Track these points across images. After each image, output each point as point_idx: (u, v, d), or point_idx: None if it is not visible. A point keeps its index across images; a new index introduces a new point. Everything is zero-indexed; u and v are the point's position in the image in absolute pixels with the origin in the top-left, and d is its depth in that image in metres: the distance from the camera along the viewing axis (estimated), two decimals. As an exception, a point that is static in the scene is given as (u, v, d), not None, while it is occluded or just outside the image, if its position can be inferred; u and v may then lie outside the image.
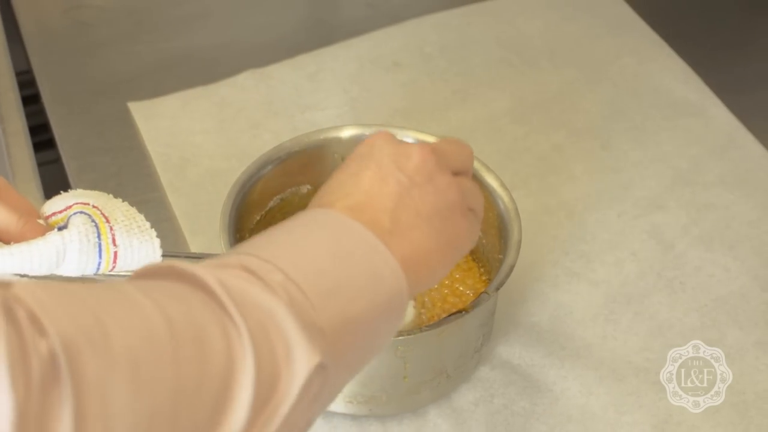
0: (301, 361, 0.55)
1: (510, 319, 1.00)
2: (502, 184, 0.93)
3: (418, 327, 0.86)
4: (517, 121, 1.20)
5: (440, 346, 0.87)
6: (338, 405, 0.90)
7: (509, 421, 0.93)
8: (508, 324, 1.00)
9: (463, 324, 0.85)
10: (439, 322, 0.85)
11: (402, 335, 0.83)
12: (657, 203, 1.11)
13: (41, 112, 1.21)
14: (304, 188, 1.00)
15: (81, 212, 0.75)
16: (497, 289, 0.86)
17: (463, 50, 1.28)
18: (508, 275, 0.86)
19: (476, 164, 0.93)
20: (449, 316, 0.85)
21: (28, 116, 1.18)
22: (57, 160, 1.17)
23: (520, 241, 0.88)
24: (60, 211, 0.77)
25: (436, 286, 0.94)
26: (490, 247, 0.95)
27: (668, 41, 1.29)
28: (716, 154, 1.16)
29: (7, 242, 0.72)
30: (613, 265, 1.05)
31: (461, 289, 0.95)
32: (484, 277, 0.97)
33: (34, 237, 0.72)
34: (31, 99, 1.22)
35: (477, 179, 0.93)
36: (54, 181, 1.12)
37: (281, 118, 1.19)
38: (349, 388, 0.88)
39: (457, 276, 0.96)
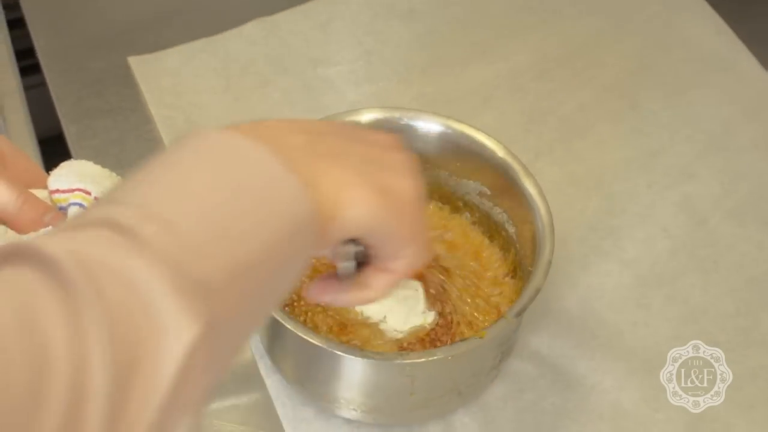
0: (176, 337, 0.46)
1: (539, 304, 0.94)
2: (541, 192, 0.87)
3: (429, 351, 0.81)
4: (540, 77, 1.14)
5: (451, 368, 0.83)
6: (342, 410, 0.86)
7: (539, 419, 0.90)
8: (536, 310, 0.95)
9: (477, 348, 0.81)
10: (450, 348, 0.80)
11: (410, 359, 0.79)
12: (688, 171, 1.06)
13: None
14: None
15: (80, 204, 0.70)
16: (518, 315, 0.81)
17: (481, -5, 1.22)
18: (532, 300, 0.81)
19: (516, 166, 0.88)
20: (463, 341, 0.80)
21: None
22: (42, 84, 1.13)
23: (550, 263, 0.83)
24: (64, 191, 0.72)
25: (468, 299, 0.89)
26: (526, 259, 0.90)
27: (698, -13, 1.23)
28: (749, 115, 1.11)
29: (3, 222, 0.68)
30: (643, 242, 1.01)
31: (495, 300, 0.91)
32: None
33: (31, 217, 0.67)
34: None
35: (515, 186, 0.88)
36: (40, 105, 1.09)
37: (292, 75, 1.12)
38: (351, 395, 0.85)
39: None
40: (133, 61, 1.13)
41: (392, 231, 0.61)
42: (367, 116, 0.91)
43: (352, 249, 0.61)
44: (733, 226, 1.02)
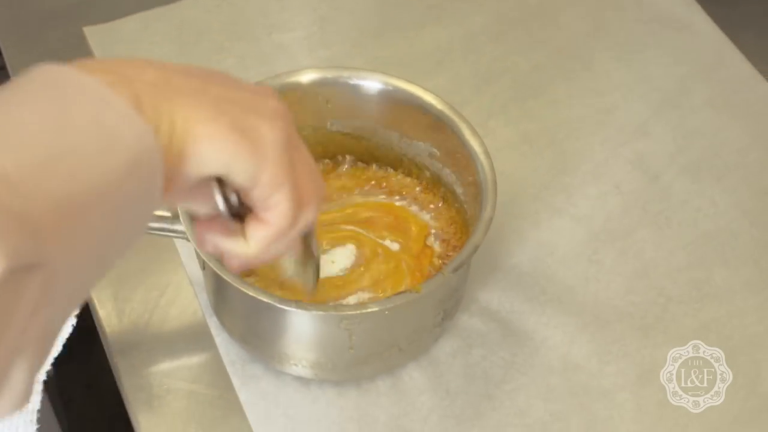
0: None
1: (489, 261, 0.96)
2: (486, 151, 0.86)
3: (363, 304, 0.81)
4: (494, 39, 1.14)
5: (389, 323, 0.82)
6: (286, 366, 0.86)
7: (488, 373, 0.90)
8: (486, 267, 0.95)
9: (414, 303, 0.80)
10: (386, 301, 0.79)
11: (344, 311, 0.79)
12: (642, 129, 1.06)
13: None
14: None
15: None
16: (455, 270, 0.80)
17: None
18: (470, 256, 0.81)
19: (461, 124, 0.88)
20: (398, 294, 0.79)
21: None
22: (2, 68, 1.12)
23: (491, 220, 0.82)
24: None
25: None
26: (472, 219, 0.89)
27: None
28: (704, 74, 1.11)
29: None
30: (595, 199, 1.01)
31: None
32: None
33: None
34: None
35: (459, 140, 0.87)
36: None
37: (247, 42, 1.13)
38: (291, 350, 0.84)
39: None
40: (89, 30, 1.13)
41: (252, 173, 0.58)
42: (307, 76, 0.90)
43: (214, 184, 0.59)
44: (686, 183, 1.02)
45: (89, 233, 0.49)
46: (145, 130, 0.51)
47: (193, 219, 0.67)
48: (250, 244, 0.62)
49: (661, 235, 0.99)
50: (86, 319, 0.91)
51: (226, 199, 0.60)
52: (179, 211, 0.80)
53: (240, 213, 0.61)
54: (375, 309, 0.78)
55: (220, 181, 0.59)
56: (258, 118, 0.58)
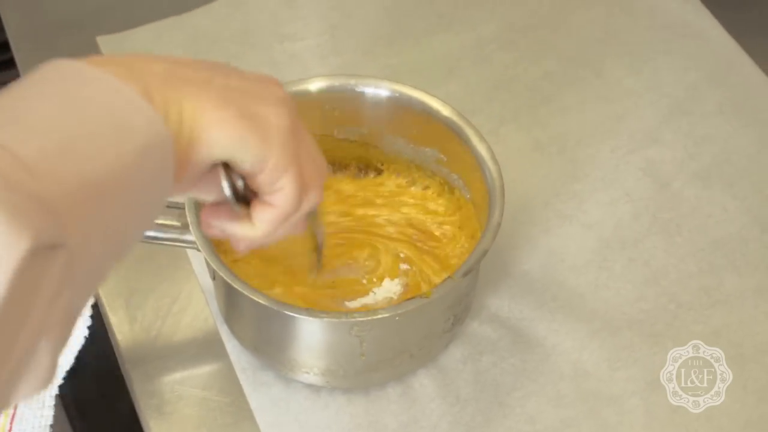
0: (2, 253, 0.45)
1: (499, 268, 0.96)
2: (493, 157, 0.87)
3: (374, 310, 0.81)
4: (505, 47, 1.14)
5: (399, 328, 0.83)
6: (298, 374, 0.86)
7: (498, 380, 0.90)
8: (497, 273, 0.96)
9: (424, 308, 0.80)
10: (396, 306, 0.80)
11: (355, 317, 0.79)
12: (652, 136, 1.06)
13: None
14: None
15: None
16: (465, 275, 0.81)
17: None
18: (478, 261, 0.81)
19: (468, 130, 0.88)
20: (409, 299, 0.80)
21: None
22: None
23: (499, 225, 0.82)
24: None
25: None
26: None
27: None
28: (715, 81, 1.11)
29: None
30: (606, 206, 1.01)
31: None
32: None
33: None
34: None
35: (466, 146, 0.88)
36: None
37: (258, 50, 1.13)
38: (302, 358, 0.85)
39: None
40: (102, 40, 1.13)
41: (259, 156, 0.60)
42: (314, 84, 0.91)
43: (221, 170, 0.61)
44: (696, 189, 1.02)
45: (106, 216, 0.51)
46: (155, 117, 0.54)
47: (200, 207, 0.69)
48: (256, 227, 0.65)
49: (671, 242, 0.99)
50: (98, 328, 0.92)
51: (233, 185, 0.62)
52: (188, 219, 0.81)
53: (245, 198, 0.63)
54: (385, 315, 0.79)
55: (227, 167, 0.61)
56: (264, 105, 0.60)
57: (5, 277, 0.44)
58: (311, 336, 0.83)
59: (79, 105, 0.52)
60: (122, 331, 0.92)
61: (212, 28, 1.15)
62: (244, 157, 0.60)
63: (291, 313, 0.78)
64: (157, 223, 0.84)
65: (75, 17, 1.17)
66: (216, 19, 1.16)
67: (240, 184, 0.62)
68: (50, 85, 0.53)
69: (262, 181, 0.62)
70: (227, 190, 0.62)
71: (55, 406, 0.89)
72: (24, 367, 0.48)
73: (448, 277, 0.81)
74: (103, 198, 0.51)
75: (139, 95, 0.53)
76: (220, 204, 0.65)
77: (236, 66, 0.63)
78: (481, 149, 0.87)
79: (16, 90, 0.52)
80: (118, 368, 0.92)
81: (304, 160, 0.64)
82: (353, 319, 0.79)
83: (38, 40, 1.14)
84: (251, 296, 0.78)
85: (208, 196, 0.65)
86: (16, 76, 1.12)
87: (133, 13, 1.16)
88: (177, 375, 0.90)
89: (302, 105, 0.87)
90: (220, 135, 0.58)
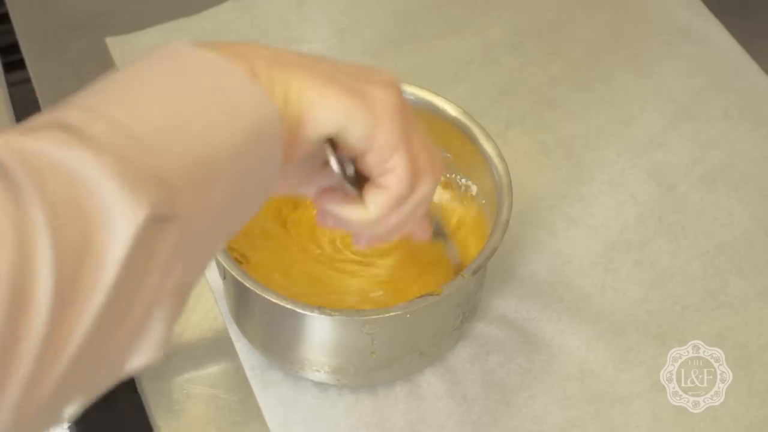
0: (121, 221, 0.46)
1: (506, 270, 0.97)
2: (500, 154, 0.87)
3: (385, 307, 0.81)
4: (512, 51, 1.15)
5: (410, 326, 0.84)
6: (307, 372, 0.87)
7: (505, 380, 0.90)
8: (504, 275, 0.96)
9: (435, 306, 0.81)
10: (408, 304, 0.80)
11: (367, 315, 0.80)
12: (658, 140, 1.07)
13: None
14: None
15: None
16: (475, 273, 0.81)
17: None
18: (488, 258, 0.82)
19: (475, 129, 0.89)
20: (419, 297, 0.80)
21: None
22: (27, 81, 1.13)
23: (507, 222, 0.83)
24: None
25: None
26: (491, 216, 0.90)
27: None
28: (720, 86, 1.12)
29: None
30: (612, 209, 1.02)
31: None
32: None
33: None
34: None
35: (474, 145, 0.88)
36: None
37: (266, 53, 1.14)
38: (313, 356, 0.85)
39: None
40: (111, 41, 1.14)
41: (368, 132, 0.60)
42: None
43: (327, 146, 0.60)
44: (702, 193, 1.03)
45: (217, 193, 0.52)
46: (262, 95, 0.55)
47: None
48: (369, 209, 0.64)
49: (676, 245, 0.99)
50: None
51: (341, 162, 0.61)
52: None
53: (357, 184, 0.63)
54: (397, 312, 0.79)
55: (334, 147, 0.61)
56: (370, 84, 0.61)
57: (124, 244, 0.46)
58: (323, 334, 0.84)
59: (191, 85, 0.53)
60: (132, 329, 0.93)
61: (221, 30, 1.16)
62: (352, 131, 0.59)
63: (302, 311, 0.79)
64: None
65: (84, 19, 1.17)
66: (224, 22, 1.17)
67: (350, 169, 0.62)
68: (163, 66, 0.54)
69: (371, 160, 0.62)
70: (335, 166, 0.61)
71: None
72: (138, 336, 0.50)
73: (458, 275, 0.81)
74: (215, 175, 0.52)
75: (247, 76, 0.55)
76: (330, 189, 0.66)
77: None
78: (488, 148, 0.88)
79: (131, 70, 0.54)
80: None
81: (416, 145, 0.63)
82: (365, 317, 0.80)
83: (47, 42, 1.15)
84: (263, 294, 0.79)
85: (314, 187, 0.67)
86: (25, 77, 1.12)
87: (142, 15, 1.17)
88: (186, 374, 0.91)
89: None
90: (327, 110, 0.58)
